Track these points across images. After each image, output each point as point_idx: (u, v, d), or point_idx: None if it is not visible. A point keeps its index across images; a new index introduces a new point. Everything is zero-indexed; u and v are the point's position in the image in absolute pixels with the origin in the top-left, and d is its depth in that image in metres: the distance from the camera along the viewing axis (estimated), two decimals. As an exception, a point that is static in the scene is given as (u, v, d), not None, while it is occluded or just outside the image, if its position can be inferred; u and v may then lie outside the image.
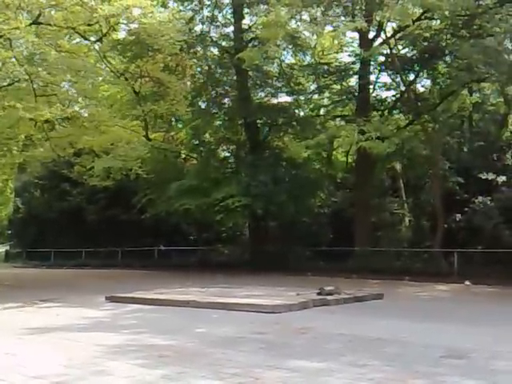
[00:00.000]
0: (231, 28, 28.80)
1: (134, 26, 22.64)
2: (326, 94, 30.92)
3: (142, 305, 13.60)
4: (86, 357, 7.47)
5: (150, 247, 32.59)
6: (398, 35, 25.63)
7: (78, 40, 24.63)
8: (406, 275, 21.18)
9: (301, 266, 25.26)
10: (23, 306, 13.76)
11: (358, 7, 24.13)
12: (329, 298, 13.46)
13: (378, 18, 22.75)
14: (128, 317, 11.89)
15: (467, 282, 19.37)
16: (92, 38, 23.52)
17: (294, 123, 29.13)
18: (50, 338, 9.18)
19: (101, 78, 27.39)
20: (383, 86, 28.55)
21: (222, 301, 13.19)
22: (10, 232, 45.20)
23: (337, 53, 32.20)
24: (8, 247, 45.42)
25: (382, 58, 26.64)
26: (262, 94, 30.15)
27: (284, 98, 30.13)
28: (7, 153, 30.32)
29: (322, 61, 30.33)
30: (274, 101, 30.05)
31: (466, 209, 23.99)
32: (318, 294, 13.82)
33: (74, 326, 10.37)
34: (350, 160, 30.95)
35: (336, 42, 31.29)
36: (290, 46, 28.23)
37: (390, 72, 27.51)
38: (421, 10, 22.90)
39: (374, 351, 7.73)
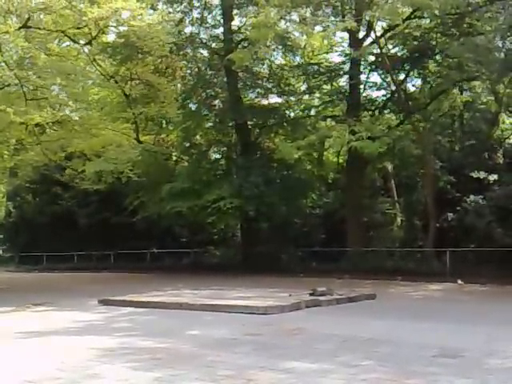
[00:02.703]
0: (221, 29, 28.77)
1: (123, 28, 22.63)
2: (317, 95, 30.96)
3: (135, 308, 13.56)
4: (79, 360, 7.44)
5: (143, 250, 32.52)
6: (388, 34, 25.65)
7: (67, 43, 24.56)
8: (399, 275, 21.18)
9: (293, 267, 25.24)
10: (16, 310, 13.70)
11: (347, 7, 24.22)
12: (321, 298, 13.47)
13: (367, 18, 22.78)
14: (121, 320, 11.85)
15: (460, 281, 19.41)
16: (81, 41, 23.44)
17: (285, 124, 29.17)
18: (43, 341, 9.15)
19: (91, 81, 27.27)
20: (374, 86, 28.58)
21: (215, 303, 13.18)
22: (1, 236, 45.02)
23: (327, 53, 32.20)
24: (0, 251, 45.26)
25: (372, 58, 26.62)
26: (253, 96, 30.17)
27: (274, 99, 30.21)
28: (-2, 157, 30.25)
29: (312, 61, 30.32)
30: (265, 102, 30.10)
31: (458, 208, 24.00)
32: (311, 294, 13.83)
33: (67, 330, 10.34)
34: (341, 160, 30.96)
35: (326, 42, 31.31)
36: (280, 47, 28.21)
37: (380, 72, 27.56)
38: (410, 9, 22.98)
39: (366, 351, 7.73)
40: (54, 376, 6.58)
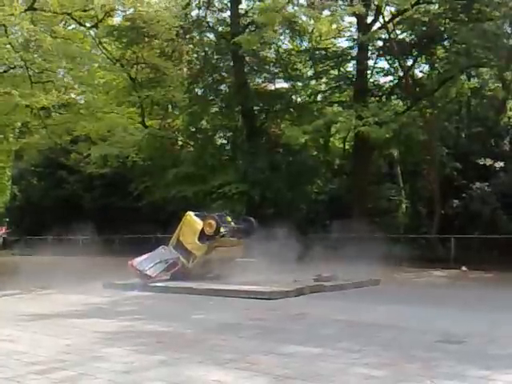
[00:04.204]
0: (228, 13, 28.50)
1: (129, 11, 22.54)
2: (324, 80, 30.70)
3: (140, 291, 13.62)
4: (84, 343, 7.49)
5: (148, 235, 32.53)
6: (397, 20, 25.38)
7: (73, 26, 24.52)
8: (403, 261, 21.17)
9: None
10: (22, 293, 13.77)
11: (356, -10, 23.94)
12: (326, 284, 13.50)
13: (376, 2, 22.59)
14: (126, 303, 11.92)
15: (464, 268, 19.40)
16: (87, 24, 23.40)
17: (291, 109, 29.00)
18: (48, 324, 9.20)
19: (97, 65, 27.22)
20: (381, 72, 28.32)
21: (219, 287, 13.21)
22: (7, 220, 45.15)
23: (334, 38, 31.91)
24: (5, 235, 45.43)
25: (380, 43, 26.41)
26: (259, 80, 29.97)
27: (281, 84, 30.04)
28: (4, 140, 30.26)
29: (320, 46, 30.09)
30: (271, 87, 29.93)
31: (464, 194, 23.92)
32: (315, 280, 13.85)
33: (73, 313, 10.39)
34: (347, 146, 30.84)
35: (334, 26, 30.98)
36: (287, 31, 28.01)
37: (387, 57, 27.29)
38: (419, -6, 22.74)
39: (370, 336, 7.75)
40: (59, 358, 6.63)
